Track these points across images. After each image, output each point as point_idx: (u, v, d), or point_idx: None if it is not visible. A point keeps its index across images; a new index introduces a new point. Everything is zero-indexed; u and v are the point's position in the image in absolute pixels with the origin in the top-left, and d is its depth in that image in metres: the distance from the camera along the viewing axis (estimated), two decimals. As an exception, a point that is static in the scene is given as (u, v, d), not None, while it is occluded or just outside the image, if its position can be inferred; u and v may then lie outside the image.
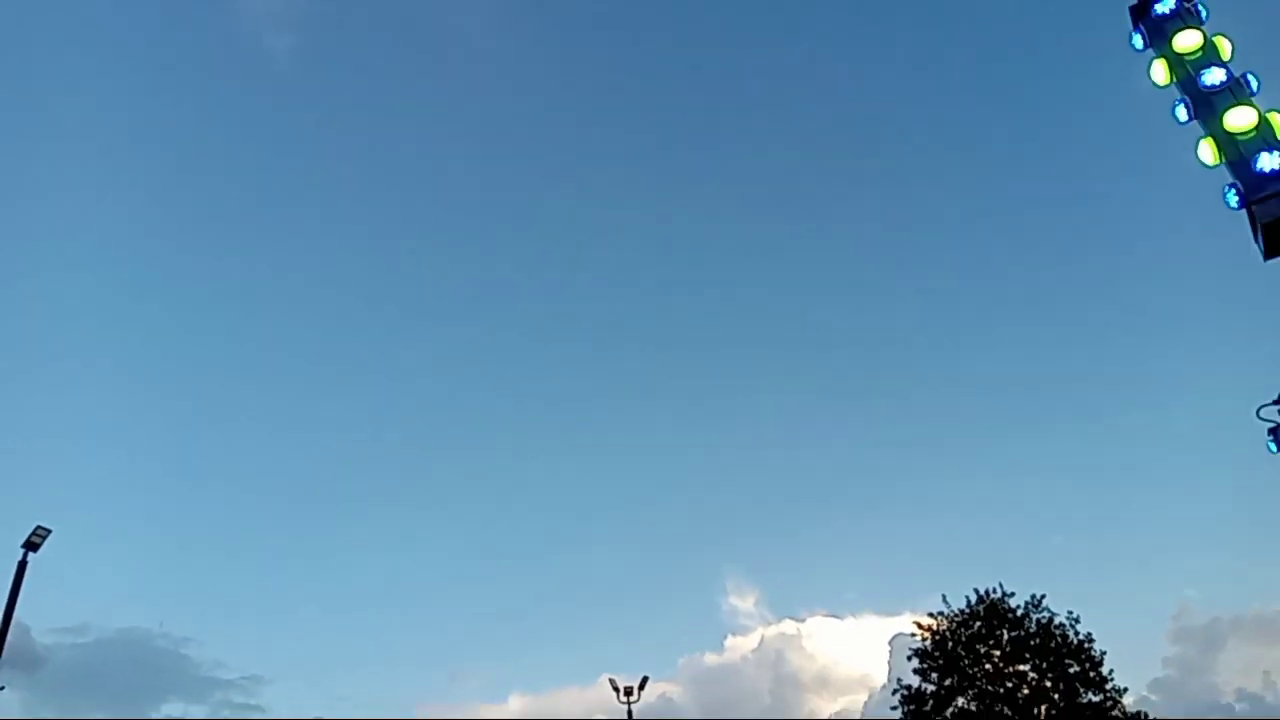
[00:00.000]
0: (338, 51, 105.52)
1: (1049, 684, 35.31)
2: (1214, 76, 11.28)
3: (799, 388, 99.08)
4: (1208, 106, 11.13)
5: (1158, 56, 11.65)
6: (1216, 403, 73.21)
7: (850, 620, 75.81)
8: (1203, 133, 11.11)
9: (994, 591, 36.57)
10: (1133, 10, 12.12)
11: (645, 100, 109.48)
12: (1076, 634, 35.75)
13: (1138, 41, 11.84)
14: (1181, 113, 11.15)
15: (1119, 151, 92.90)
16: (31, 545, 23.52)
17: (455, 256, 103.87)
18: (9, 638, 21.96)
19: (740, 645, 75.36)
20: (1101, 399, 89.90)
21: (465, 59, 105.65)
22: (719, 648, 77.47)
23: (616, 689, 39.66)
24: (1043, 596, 36.49)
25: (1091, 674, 35.30)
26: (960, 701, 35.79)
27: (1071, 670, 35.39)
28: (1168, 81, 11.51)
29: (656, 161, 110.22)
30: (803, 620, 75.08)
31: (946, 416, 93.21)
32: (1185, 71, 11.24)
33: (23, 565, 23.24)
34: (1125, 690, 35.20)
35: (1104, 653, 35.54)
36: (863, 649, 74.55)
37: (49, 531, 23.91)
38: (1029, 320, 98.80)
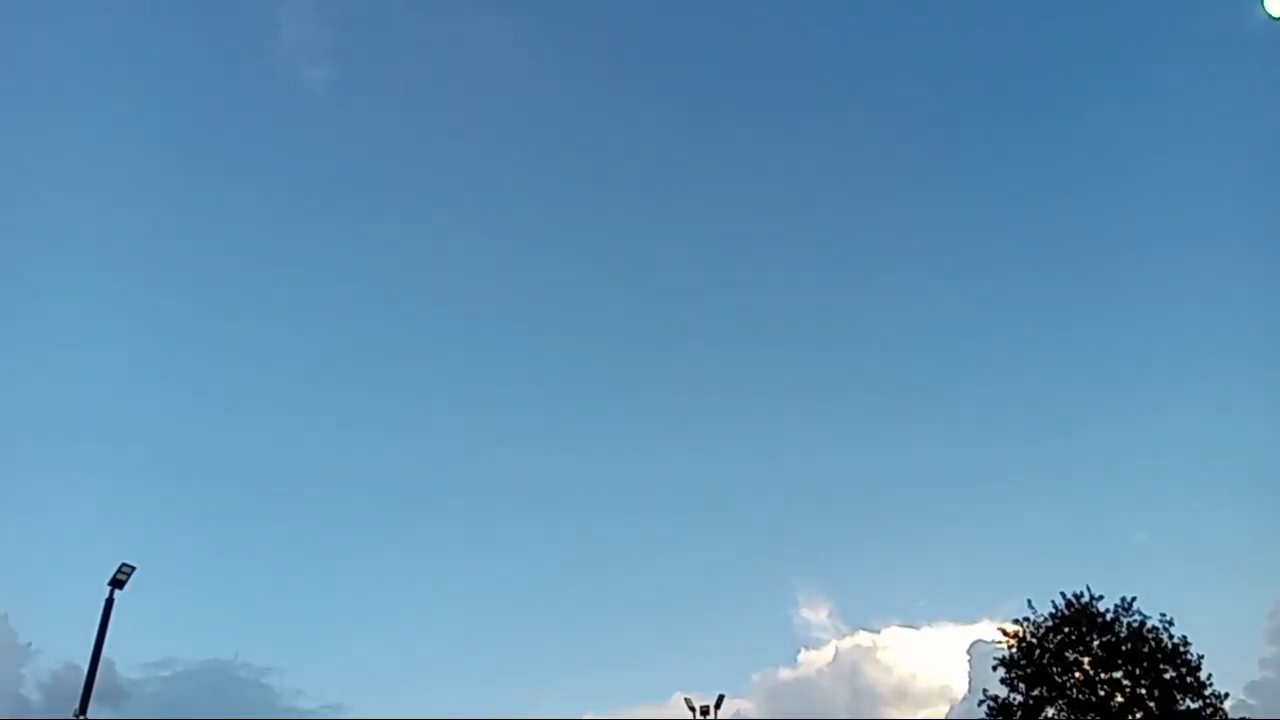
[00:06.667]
0: (374, 83, 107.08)
1: (1144, 691, 33.96)
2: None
3: (860, 388, 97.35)
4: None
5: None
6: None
7: (926, 629, 73.47)
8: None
9: (1082, 595, 35.37)
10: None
11: (685, 94, 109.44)
12: (1171, 638, 34.33)
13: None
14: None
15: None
16: (117, 582, 24.00)
17: (497, 269, 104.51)
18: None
19: (814, 659, 74.05)
20: (1179, 388, 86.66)
21: (501, 84, 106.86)
22: (793, 662, 75.57)
23: (692, 708, 39.09)
24: (1133, 599, 35.23)
25: (1189, 679, 33.88)
26: (1050, 712, 34.65)
27: (1167, 676, 33.96)
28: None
29: (706, 154, 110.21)
30: (877, 631, 73.50)
31: (1016, 410, 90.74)
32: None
33: (110, 602, 23.73)
34: (1226, 696, 33.74)
35: (1201, 657, 34.12)
36: (941, 659, 71.90)
37: (134, 568, 24.38)
38: (1107, 305, 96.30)
